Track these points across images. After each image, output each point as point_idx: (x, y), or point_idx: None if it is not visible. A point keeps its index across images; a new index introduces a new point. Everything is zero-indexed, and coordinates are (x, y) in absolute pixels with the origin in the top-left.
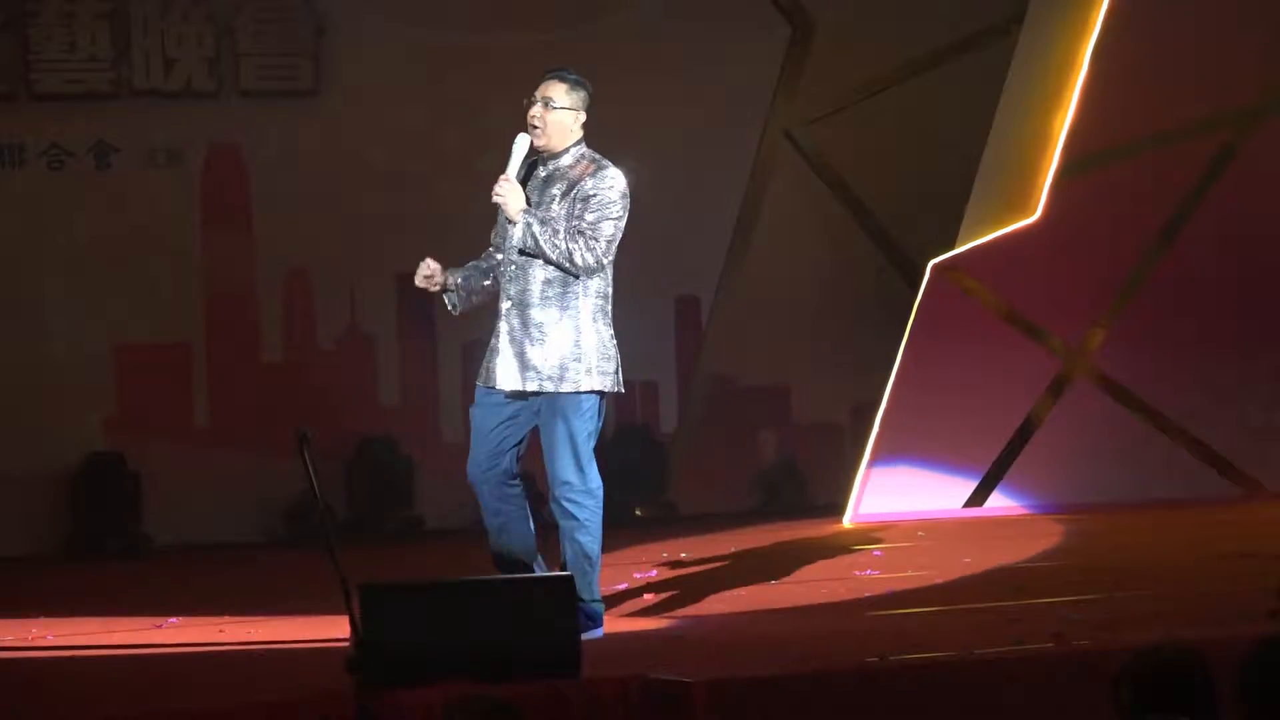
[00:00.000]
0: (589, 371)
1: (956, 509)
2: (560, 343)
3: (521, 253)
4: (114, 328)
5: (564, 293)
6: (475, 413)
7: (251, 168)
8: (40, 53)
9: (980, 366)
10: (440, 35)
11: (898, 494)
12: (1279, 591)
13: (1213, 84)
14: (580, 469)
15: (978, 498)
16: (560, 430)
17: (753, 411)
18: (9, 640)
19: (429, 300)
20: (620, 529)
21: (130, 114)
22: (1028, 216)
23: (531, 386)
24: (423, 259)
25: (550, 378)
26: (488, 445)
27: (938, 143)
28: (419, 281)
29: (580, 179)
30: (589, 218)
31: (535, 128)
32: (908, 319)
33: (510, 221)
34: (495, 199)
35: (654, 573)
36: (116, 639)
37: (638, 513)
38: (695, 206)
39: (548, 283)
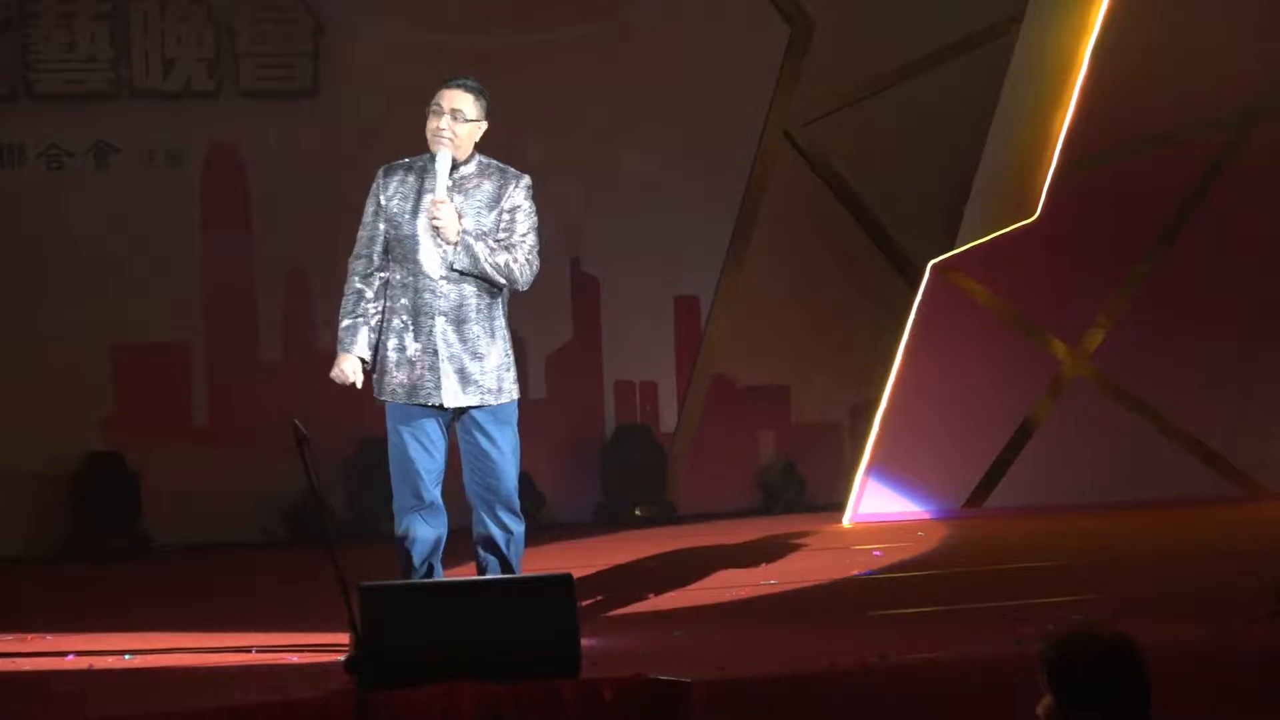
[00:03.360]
0: (515, 380)
1: (956, 509)
2: (494, 355)
3: (453, 269)
4: (113, 327)
5: (491, 304)
6: (412, 433)
7: (251, 168)
8: (40, 53)
9: (980, 366)
10: (440, 35)
11: (897, 494)
12: (1278, 591)
13: (1212, 84)
14: (517, 478)
15: (977, 497)
16: (507, 440)
17: (752, 411)
18: (8, 641)
19: None
20: (620, 529)
21: (130, 114)
22: (1027, 216)
23: (473, 401)
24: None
25: (490, 390)
26: (438, 465)
27: (937, 142)
28: (340, 380)
29: (502, 188)
30: (520, 230)
31: (445, 140)
32: (907, 319)
33: (448, 242)
34: (434, 223)
35: (653, 572)
36: (115, 640)
37: (637, 512)
38: (695, 206)
39: (479, 296)
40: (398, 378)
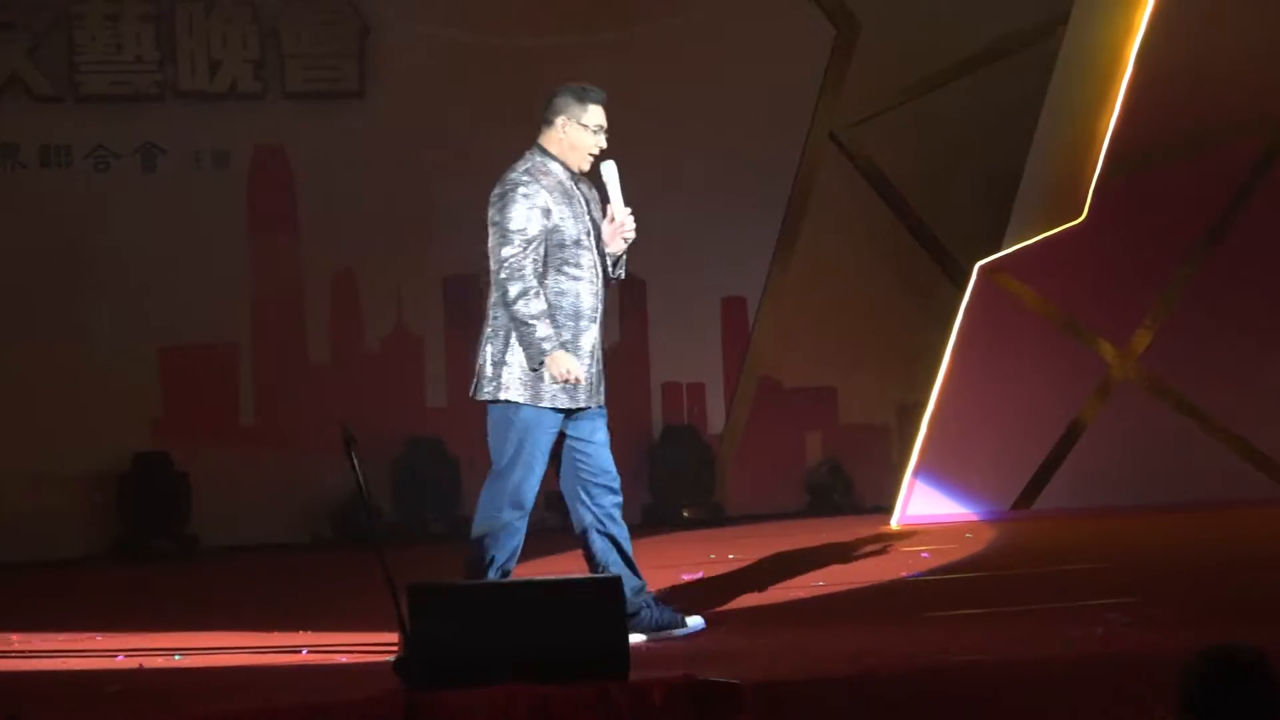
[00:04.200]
0: None
1: (1004, 511)
2: None
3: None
4: (161, 329)
5: None
6: (543, 443)
7: (297, 169)
8: (86, 55)
9: (1027, 368)
10: (485, 36)
11: (945, 495)
12: None
13: (1257, 85)
14: None
15: (1026, 499)
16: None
17: (800, 412)
18: (59, 640)
19: (474, 300)
20: (668, 530)
21: (176, 116)
22: (1074, 218)
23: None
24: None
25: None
26: None
27: (983, 144)
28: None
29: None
30: None
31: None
32: (954, 320)
33: (620, 251)
34: (627, 236)
35: (701, 574)
36: (164, 640)
37: (685, 514)
38: (741, 208)
39: None
40: (558, 382)
